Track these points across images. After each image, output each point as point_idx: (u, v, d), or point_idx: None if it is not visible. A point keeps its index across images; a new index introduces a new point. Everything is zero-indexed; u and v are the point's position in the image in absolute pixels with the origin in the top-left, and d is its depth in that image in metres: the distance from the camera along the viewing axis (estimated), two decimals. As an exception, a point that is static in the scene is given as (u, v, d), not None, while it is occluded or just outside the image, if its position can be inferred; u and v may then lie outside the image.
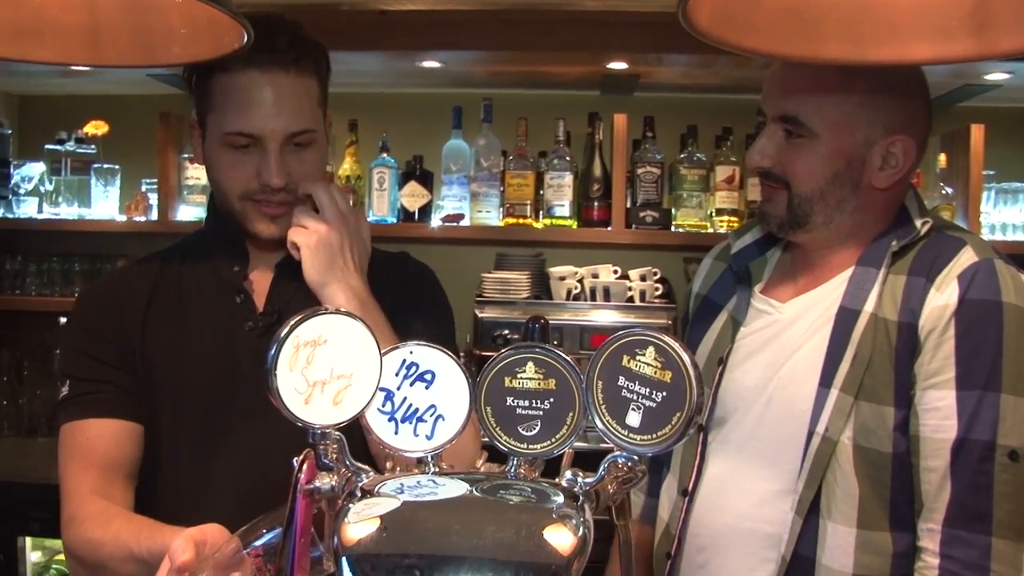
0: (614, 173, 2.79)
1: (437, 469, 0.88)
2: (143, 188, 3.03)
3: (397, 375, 0.88)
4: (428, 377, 0.88)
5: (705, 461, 1.46)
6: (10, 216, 3.04)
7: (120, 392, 1.37)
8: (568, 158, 2.82)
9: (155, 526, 1.21)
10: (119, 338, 1.39)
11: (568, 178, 2.82)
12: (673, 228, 2.80)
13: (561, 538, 0.76)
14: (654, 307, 2.74)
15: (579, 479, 0.84)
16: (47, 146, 3.00)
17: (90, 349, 1.39)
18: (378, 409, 0.88)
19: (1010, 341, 1.23)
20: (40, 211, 3.05)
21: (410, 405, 0.88)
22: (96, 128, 2.87)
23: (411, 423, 0.88)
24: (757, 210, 1.48)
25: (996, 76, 2.57)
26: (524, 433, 0.87)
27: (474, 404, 0.87)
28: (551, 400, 0.86)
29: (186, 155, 2.95)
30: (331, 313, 0.83)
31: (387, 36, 2.49)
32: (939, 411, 1.23)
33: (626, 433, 0.82)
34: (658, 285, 2.81)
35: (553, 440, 0.86)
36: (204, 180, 2.95)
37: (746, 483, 1.40)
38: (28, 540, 2.67)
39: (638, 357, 0.82)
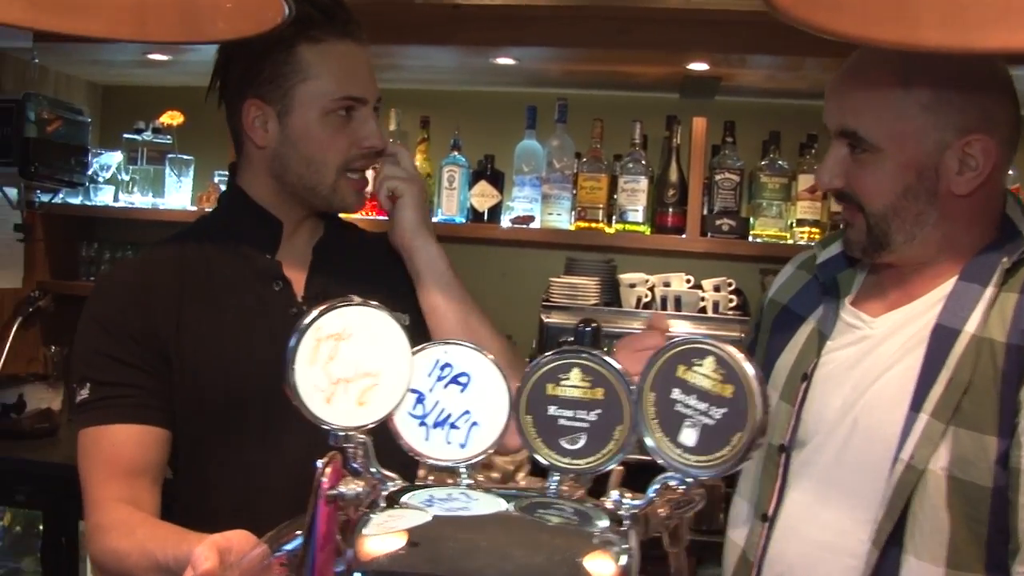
0: (691, 179, 2.69)
1: (471, 482, 0.81)
2: (215, 179, 3.04)
3: (429, 376, 0.81)
4: (463, 380, 0.81)
5: (787, 484, 1.35)
6: (87, 204, 3.08)
7: (145, 395, 1.30)
8: (643, 162, 2.72)
9: (181, 533, 1.16)
10: (147, 339, 1.32)
11: (643, 182, 2.72)
12: (751, 238, 2.68)
13: (601, 567, 0.67)
14: (727, 319, 2.62)
15: (625, 501, 0.76)
16: (125, 135, 3.03)
17: (114, 351, 1.31)
18: (408, 412, 0.80)
19: None
20: (116, 199, 3.09)
21: (443, 410, 0.81)
22: (172, 118, 2.88)
23: (443, 429, 0.81)
24: (843, 235, 1.37)
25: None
26: (567, 447, 0.79)
27: (513, 412, 0.80)
28: (598, 412, 0.78)
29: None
30: (357, 305, 0.76)
31: (460, 30, 2.44)
32: None
33: (680, 452, 0.73)
34: (732, 296, 2.69)
35: (599, 456, 0.78)
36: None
37: (829, 511, 1.29)
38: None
39: (695, 368, 0.73)
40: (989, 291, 1.21)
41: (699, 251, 2.70)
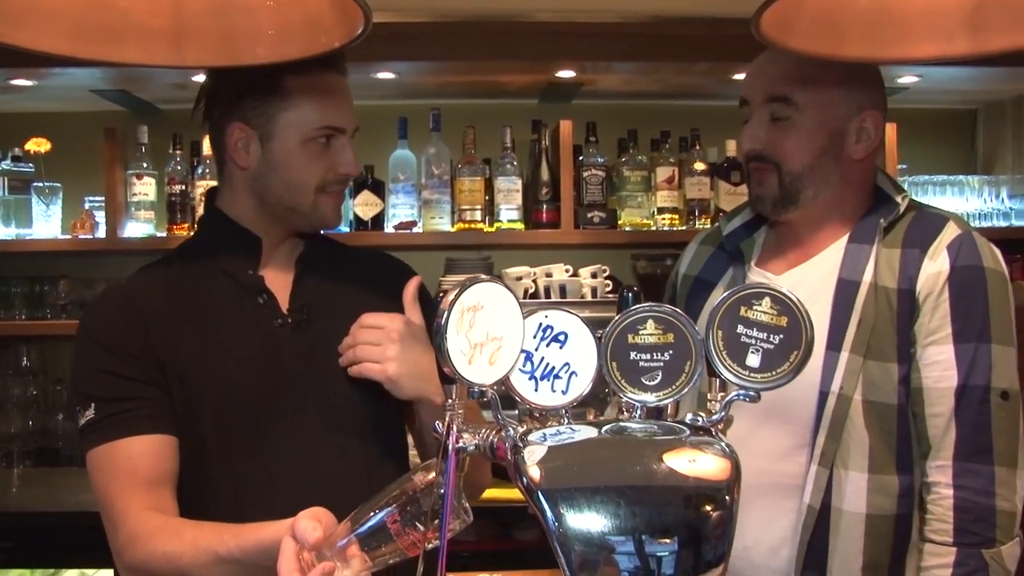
0: (561, 176, 2.93)
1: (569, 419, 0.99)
2: (87, 206, 2.98)
3: (535, 337, 0.98)
4: (562, 338, 0.98)
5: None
6: (-58, 239, 2.94)
7: (153, 406, 1.35)
8: (515, 163, 2.95)
9: (235, 526, 1.20)
10: (144, 353, 1.36)
11: (517, 182, 2.94)
12: (618, 227, 2.96)
13: (719, 463, 0.88)
14: (606, 302, 2.89)
15: (702, 417, 0.97)
16: (-19, 165, 2.92)
17: (116, 368, 1.35)
18: (519, 369, 0.97)
19: (994, 299, 1.43)
20: (-25, 233, 2.96)
21: (547, 364, 0.98)
22: (38, 145, 2.80)
23: (549, 380, 0.98)
24: (750, 195, 1.63)
25: (906, 79, 2.85)
26: (647, 383, 0.99)
27: (602, 359, 0.98)
28: (670, 352, 0.98)
29: (132, 171, 2.92)
30: (488, 281, 0.93)
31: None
32: (940, 363, 1.42)
33: (747, 373, 0.95)
34: (608, 282, 2.96)
35: (674, 387, 0.98)
36: (152, 196, 2.95)
37: (761, 442, 1.54)
38: (-12, 570, 2.58)
39: (755, 307, 0.95)
40: (875, 247, 1.51)
41: (574, 243, 2.95)
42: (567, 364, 0.98)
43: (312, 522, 1.05)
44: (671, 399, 0.98)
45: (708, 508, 0.86)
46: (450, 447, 0.97)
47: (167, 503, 1.33)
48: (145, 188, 2.92)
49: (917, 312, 1.45)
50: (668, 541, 0.85)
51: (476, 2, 2.54)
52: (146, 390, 1.35)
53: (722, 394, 0.97)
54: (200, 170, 2.91)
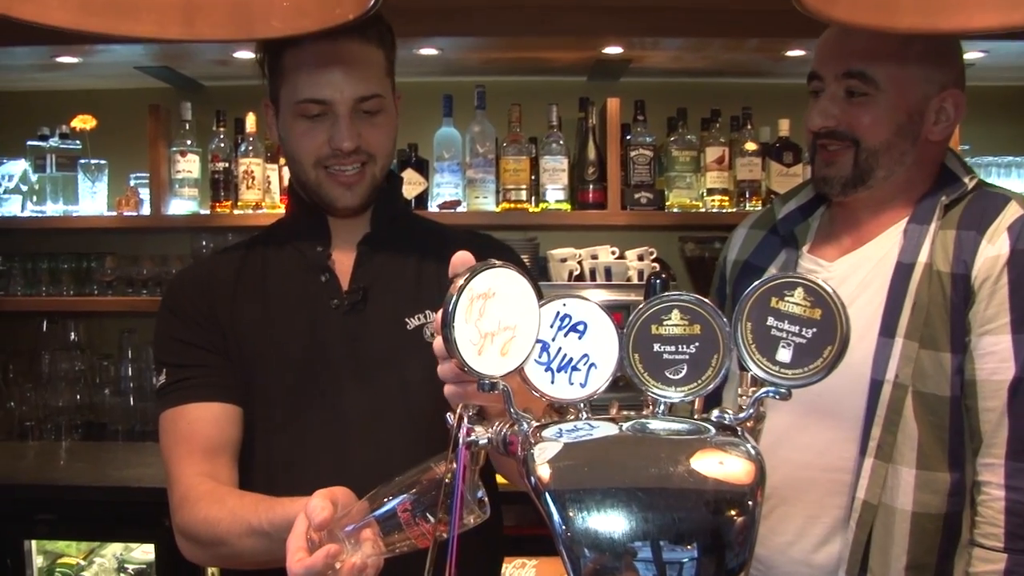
0: (608, 156, 2.86)
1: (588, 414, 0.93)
2: (132, 183, 3.00)
3: (552, 327, 0.92)
4: (580, 328, 0.93)
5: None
6: (-9, 215, 2.98)
7: (216, 374, 1.39)
8: (562, 142, 2.88)
9: (271, 499, 1.22)
10: (210, 321, 1.41)
11: (563, 162, 2.88)
12: (666, 208, 2.88)
13: (743, 466, 0.82)
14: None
15: (730, 415, 0.90)
16: (30, 142, 2.94)
17: (183, 335, 1.41)
18: (535, 360, 0.92)
19: None
20: (23, 210, 2.99)
21: (565, 355, 0.92)
22: (84, 122, 2.82)
23: (566, 372, 0.92)
24: (815, 175, 1.53)
25: (972, 55, 2.71)
26: (671, 377, 0.92)
27: (624, 351, 0.93)
28: (696, 344, 0.92)
29: (175, 148, 2.92)
30: (500, 267, 0.87)
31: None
32: (995, 354, 1.33)
33: (777, 369, 0.88)
34: (655, 264, 2.89)
35: (699, 382, 0.92)
36: (195, 173, 2.95)
37: (805, 435, 1.47)
38: (34, 544, 2.62)
39: (787, 298, 0.88)
40: (932, 226, 1.42)
41: (620, 224, 2.88)
42: (586, 355, 0.93)
43: (323, 501, 1.03)
44: (696, 395, 0.92)
45: (730, 513, 0.80)
46: (460, 440, 0.92)
47: (223, 472, 1.36)
48: (189, 165, 2.92)
49: (972, 299, 1.36)
50: (686, 548, 0.79)
51: (519, -24, 2.48)
52: (210, 358, 1.40)
53: (753, 389, 0.90)
54: (243, 147, 2.90)
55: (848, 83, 1.45)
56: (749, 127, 2.91)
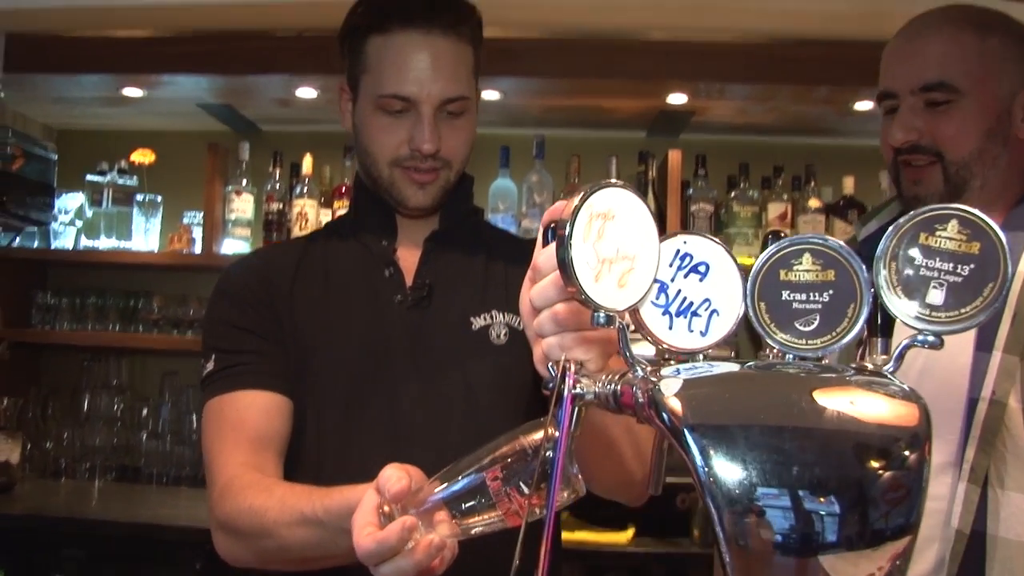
0: (668, 210, 2.80)
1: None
2: (185, 220, 2.98)
3: (671, 266, 0.83)
4: (702, 269, 0.84)
5: None
6: (44, 247, 2.97)
7: (268, 363, 1.31)
8: (620, 194, 2.83)
9: (326, 488, 1.11)
10: (267, 308, 1.33)
11: (621, 213, 2.82)
12: (726, 264, 2.80)
13: (907, 408, 0.72)
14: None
15: (875, 361, 0.81)
16: (88, 177, 2.95)
17: (237, 320, 1.33)
18: (652, 302, 0.83)
19: None
20: (77, 244, 2.98)
21: (684, 298, 0.83)
22: (143, 156, 2.83)
23: (686, 317, 0.83)
24: (905, 195, 1.45)
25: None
26: (801, 328, 0.83)
27: (748, 298, 0.84)
28: (830, 292, 0.82)
29: (231, 187, 2.91)
30: (621, 187, 0.80)
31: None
32: None
33: (928, 312, 0.79)
34: (713, 319, 2.79)
35: (834, 334, 0.82)
36: (249, 214, 2.92)
37: None
38: (59, 581, 2.51)
39: (938, 232, 0.79)
40: None
41: (679, 278, 2.79)
42: (707, 300, 0.84)
43: (399, 471, 0.93)
44: (831, 348, 0.82)
45: (904, 457, 0.70)
46: (566, 391, 0.83)
47: (269, 466, 1.26)
48: (243, 205, 2.91)
49: None
50: (847, 495, 0.68)
51: (587, 19, 2.48)
52: (263, 345, 1.32)
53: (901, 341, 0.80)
54: (298, 189, 2.88)
55: (927, 95, 1.37)
56: (812, 185, 2.85)
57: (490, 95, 2.72)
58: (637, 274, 0.81)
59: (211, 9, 2.44)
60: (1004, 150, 1.36)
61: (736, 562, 0.67)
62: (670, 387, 0.75)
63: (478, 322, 1.36)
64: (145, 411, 2.98)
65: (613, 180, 0.81)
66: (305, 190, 2.87)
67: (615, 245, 0.80)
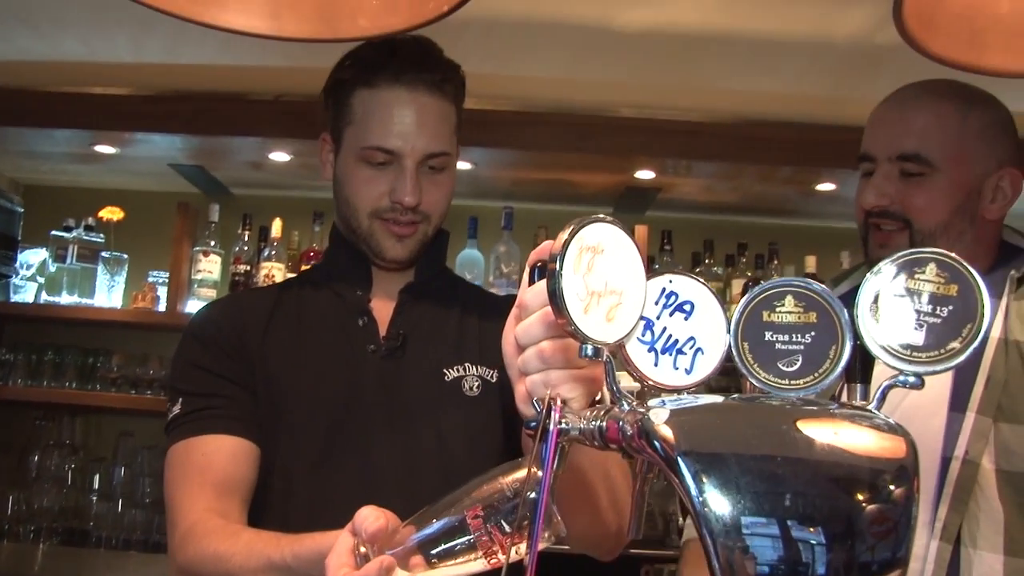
0: (634, 281, 2.83)
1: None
2: (150, 279, 2.95)
3: (657, 304, 0.85)
4: (687, 308, 0.85)
5: None
6: (3, 300, 2.91)
7: (238, 408, 1.29)
8: (587, 266, 2.86)
9: (295, 535, 1.09)
10: (239, 353, 1.32)
11: (588, 285, 2.85)
12: (691, 337, 2.83)
13: (894, 440, 0.74)
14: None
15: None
16: (53, 232, 2.92)
17: (208, 363, 1.31)
18: (638, 338, 0.84)
19: None
20: (37, 299, 2.93)
21: (670, 336, 0.84)
22: (112, 213, 2.81)
23: (671, 355, 0.84)
24: (870, 257, 1.49)
25: None
26: (784, 368, 0.85)
27: (732, 338, 0.85)
28: (812, 334, 0.84)
29: (199, 247, 2.90)
30: (610, 223, 0.81)
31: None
32: None
33: (910, 353, 0.81)
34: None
35: (816, 374, 0.84)
36: (215, 275, 2.91)
37: None
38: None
39: (917, 276, 0.82)
40: (1004, 301, 1.36)
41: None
42: (692, 339, 0.85)
43: (375, 511, 0.92)
44: (814, 388, 0.84)
45: (891, 490, 0.71)
46: (551, 425, 0.83)
47: (234, 514, 1.23)
48: (210, 266, 2.89)
49: None
50: (838, 525, 0.69)
51: (559, 94, 2.54)
52: (233, 390, 1.30)
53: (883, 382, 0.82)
54: (267, 252, 2.88)
55: (903, 165, 1.42)
56: (775, 263, 2.91)
57: (461, 165, 2.76)
58: (625, 308, 0.83)
59: (188, 70, 2.46)
60: (970, 227, 1.41)
61: (729, 587, 0.67)
62: (660, 416, 0.75)
63: (451, 373, 1.35)
64: (98, 472, 2.90)
65: (602, 215, 0.82)
66: (273, 253, 2.87)
67: (604, 279, 0.81)
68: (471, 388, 1.36)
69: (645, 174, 2.75)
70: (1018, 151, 1.46)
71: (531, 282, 0.91)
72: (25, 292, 2.92)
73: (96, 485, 2.87)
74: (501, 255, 2.90)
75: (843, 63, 2.20)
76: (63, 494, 2.83)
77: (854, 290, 1.63)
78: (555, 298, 0.79)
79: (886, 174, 1.43)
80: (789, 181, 2.73)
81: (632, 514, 0.93)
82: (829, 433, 0.73)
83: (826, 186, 2.73)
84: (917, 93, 1.43)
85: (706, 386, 0.87)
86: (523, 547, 0.88)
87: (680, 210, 3.08)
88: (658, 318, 0.85)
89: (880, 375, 0.84)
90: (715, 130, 2.55)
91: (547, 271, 0.80)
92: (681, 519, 1.74)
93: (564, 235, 0.80)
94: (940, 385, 1.35)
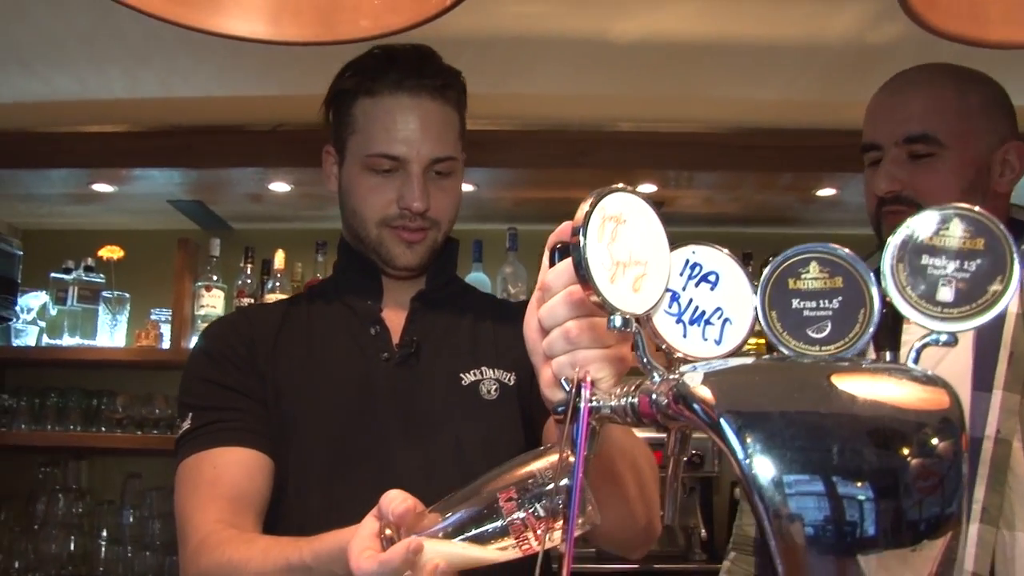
0: (639, 297, 2.82)
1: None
2: (152, 317, 2.93)
3: (681, 275, 0.84)
4: (712, 279, 0.84)
5: None
6: (4, 344, 2.89)
7: (250, 420, 1.26)
8: (592, 284, 2.85)
9: (310, 537, 1.05)
10: (249, 366, 1.30)
11: (593, 303, 2.84)
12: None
13: (938, 392, 0.72)
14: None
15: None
16: (53, 274, 2.90)
17: (218, 377, 1.29)
18: (664, 311, 0.83)
19: None
20: (39, 342, 2.91)
21: (696, 307, 0.83)
22: (111, 252, 2.80)
23: (699, 326, 0.83)
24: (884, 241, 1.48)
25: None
26: (814, 335, 0.83)
27: (760, 307, 0.84)
28: (839, 299, 0.83)
29: (201, 283, 2.89)
30: (631, 192, 0.80)
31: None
32: None
33: (940, 309, 0.79)
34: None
35: (847, 339, 0.82)
36: (219, 309, 2.89)
37: None
38: None
39: (942, 233, 0.81)
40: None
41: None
42: (719, 309, 0.83)
43: (402, 493, 0.89)
44: (846, 353, 0.82)
45: (939, 442, 0.69)
46: (582, 403, 0.81)
47: (248, 527, 1.19)
48: (213, 300, 2.88)
49: None
50: (885, 481, 0.67)
51: (556, 111, 2.55)
52: (244, 402, 1.27)
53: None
54: (270, 284, 2.87)
55: (911, 147, 1.42)
56: (779, 270, 2.90)
57: (463, 187, 2.76)
58: (650, 279, 0.81)
59: (183, 103, 2.46)
60: (983, 203, 1.40)
61: (782, 547, 0.65)
62: (695, 379, 0.73)
63: (468, 377, 1.33)
64: (106, 516, 2.86)
65: (621, 185, 0.81)
66: (277, 285, 2.86)
67: (628, 249, 0.80)
68: (489, 392, 1.34)
69: (647, 187, 2.75)
70: (1016, 126, 1.46)
71: (551, 264, 0.89)
72: (26, 336, 2.90)
73: (104, 530, 2.82)
74: (508, 276, 2.89)
75: (836, 65, 2.21)
76: (71, 540, 2.78)
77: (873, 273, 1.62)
78: (581, 269, 0.77)
79: (895, 159, 1.42)
80: (790, 188, 2.73)
81: (667, 498, 0.91)
82: (869, 386, 0.72)
83: (827, 191, 2.73)
84: (913, 77, 1.43)
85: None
86: (557, 534, 0.86)
87: (683, 224, 3.08)
88: (683, 289, 0.84)
89: (908, 343, 0.82)
90: (714, 139, 2.56)
91: (571, 244, 0.79)
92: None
93: (585, 206, 0.79)
94: (960, 365, 1.33)
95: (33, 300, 2.94)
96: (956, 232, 0.81)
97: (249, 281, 2.90)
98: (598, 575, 2.44)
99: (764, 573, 1.53)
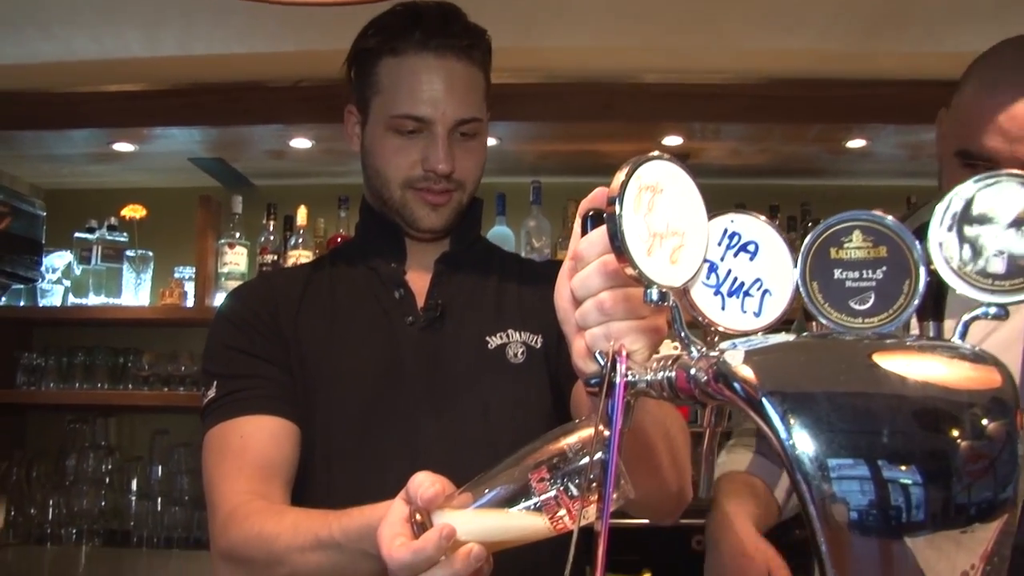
0: (665, 251, 2.79)
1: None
2: (176, 275, 2.94)
3: (720, 245, 0.81)
4: (751, 248, 0.81)
5: None
6: (31, 305, 2.91)
7: (276, 387, 1.25)
8: (617, 238, 2.82)
9: (339, 511, 1.04)
10: (272, 331, 1.29)
11: (619, 257, 2.81)
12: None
13: (987, 371, 0.69)
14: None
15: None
16: (76, 234, 2.90)
17: (242, 344, 1.27)
18: (702, 282, 0.80)
19: None
20: (64, 302, 2.92)
21: (735, 278, 0.80)
22: (134, 211, 2.79)
23: (738, 298, 0.80)
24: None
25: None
26: (856, 307, 0.80)
27: (800, 278, 0.81)
28: (883, 269, 0.80)
29: (224, 240, 2.88)
30: (668, 160, 0.77)
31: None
32: None
33: (991, 281, 0.76)
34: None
35: (891, 311, 0.79)
36: (243, 267, 2.88)
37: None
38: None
39: (994, 200, 0.77)
40: None
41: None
42: (759, 280, 0.80)
43: (430, 476, 0.88)
44: (890, 326, 0.79)
45: (991, 422, 0.66)
46: (618, 377, 0.79)
47: (276, 495, 1.19)
48: (236, 258, 2.87)
49: None
50: (934, 463, 0.65)
51: (581, 64, 2.49)
52: (268, 369, 1.26)
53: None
54: (293, 240, 2.85)
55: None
56: (808, 224, 2.85)
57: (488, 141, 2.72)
58: (688, 250, 0.78)
59: (203, 61, 2.43)
60: None
61: (827, 532, 0.63)
62: (736, 357, 0.71)
63: (494, 341, 1.31)
64: (135, 472, 2.89)
65: (658, 152, 0.78)
66: (300, 241, 2.84)
67: (665, 219, 0.77)
68: (516, 355, 1.32)
69: (673, 140, 2.69)
70: None
71: (583, 232, 0.86)
72: (52, 296, 2.92)
73: (134, 485, 2.86)
74: (531, 230, 2.86)
75: (870, 15, 2.14)
76: (102, 495, 2.82)
77: (922, 227, 1.57)
78: (616, 241, 0.74)
79: None
80: (818, 140, 2.67)
81: (703, 471, 0.90)
82: (916, 365, 0.69)
83: (856, 143, 2.67)
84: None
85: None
86: (591, 511, 0.84)
87: (710, 175, 3.02)
88: (722, 260, 0.81)
89: (953, 315, 0.79)
90: (741, 91, 2.49)
91: (605, 214, 0.76)
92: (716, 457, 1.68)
93: (621, 175, 0.76)
94: (1010, 340, 1.29)
95: (58, 260, 2.94)
96: (1011, 198, 0.77)
97: (272, 238, 2.89)
98: (621, 529, 2.44)
99: (762, 447, 1.50)
